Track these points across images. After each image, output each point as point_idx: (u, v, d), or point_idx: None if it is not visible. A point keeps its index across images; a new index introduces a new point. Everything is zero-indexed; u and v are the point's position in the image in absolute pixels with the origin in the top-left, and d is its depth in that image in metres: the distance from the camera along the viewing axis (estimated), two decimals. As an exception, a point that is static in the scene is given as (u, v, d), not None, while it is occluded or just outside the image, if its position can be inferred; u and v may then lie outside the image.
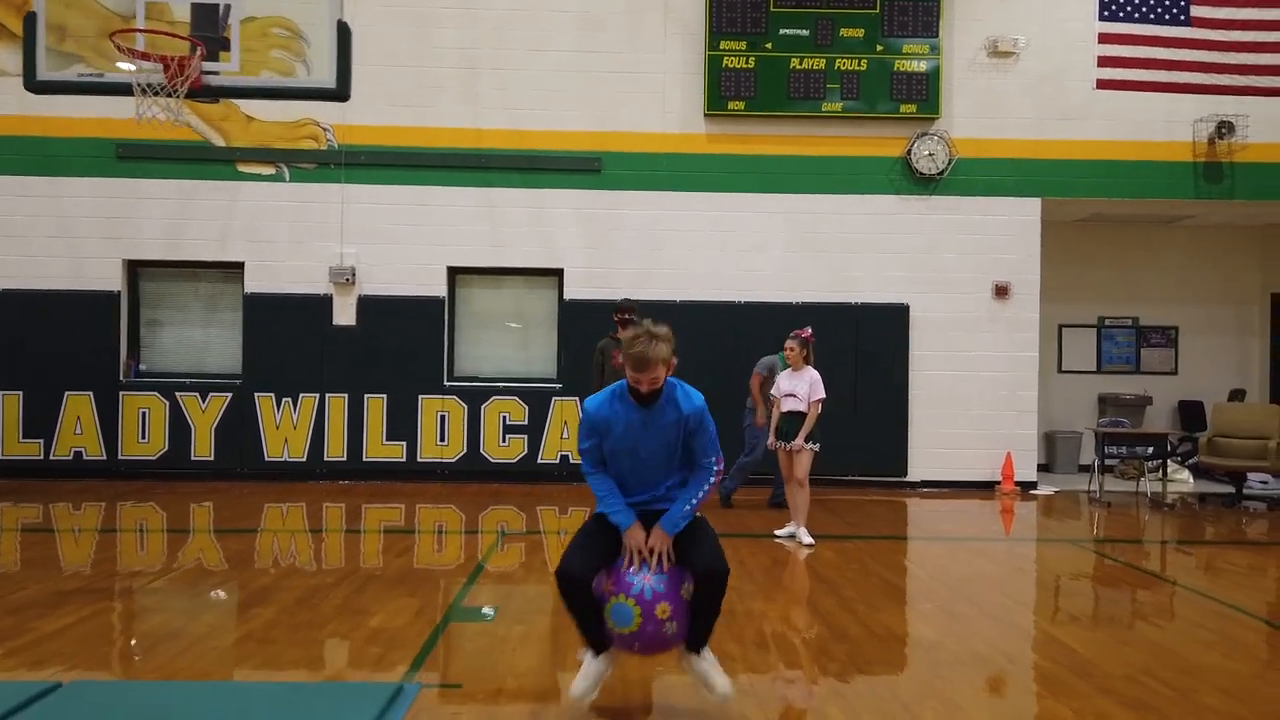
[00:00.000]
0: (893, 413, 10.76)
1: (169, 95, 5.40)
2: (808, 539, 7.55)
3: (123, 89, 5.87)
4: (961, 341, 10.83)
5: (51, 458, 10.29)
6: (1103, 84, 10.78)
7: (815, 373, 7.67)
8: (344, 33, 6.34)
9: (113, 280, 10.41)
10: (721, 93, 10.50)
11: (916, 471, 10.83)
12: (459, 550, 7.48)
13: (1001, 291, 10.85)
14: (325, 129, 10.42)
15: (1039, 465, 11.88)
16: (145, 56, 5.62)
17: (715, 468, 3.75)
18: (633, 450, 3.70)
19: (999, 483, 10.77)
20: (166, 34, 5.87)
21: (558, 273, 10.71)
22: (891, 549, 7.54)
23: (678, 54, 10.64)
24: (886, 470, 10.77)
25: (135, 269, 10.60)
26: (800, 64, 10.50)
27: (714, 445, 3.76)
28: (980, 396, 10.84)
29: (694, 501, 3.69)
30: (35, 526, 8.14)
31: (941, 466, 10.84)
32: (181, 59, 5.62)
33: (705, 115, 10.61)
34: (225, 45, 5.94)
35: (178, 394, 10.41)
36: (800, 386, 7.62)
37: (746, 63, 10.48)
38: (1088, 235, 12.64)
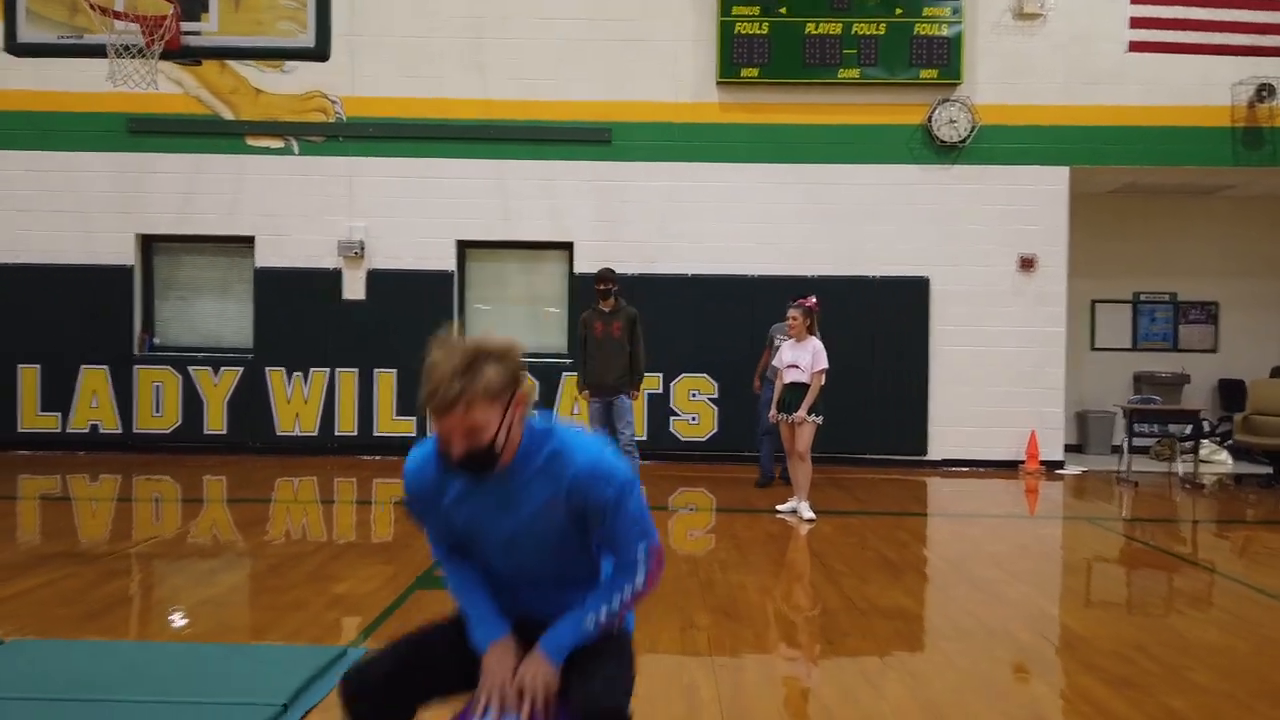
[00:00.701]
0: (912, 389, 10.43)
1: (144, 56, 5.33)
2: (808, 514, 7.31)
3: (104, 50, 5.82)
4: (985, 316, 10.46)
5: (69, 430, 10.40)
6: (1135, 46, 10.29)
7: (818, 343, 7.42)
8: (324, -9, 6.21)
9: (126, 254, 10.47)
10: (734, 60, 10.21)
11: (937, 450, 10.49)
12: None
13: (1027, 264, 10.44)
14: (334, 101, 10.35)
15: (1071, 445, 11.48)
16: (121, 16, 5.56)
17: (644, 565, 2.14)
18: (482, 540, 2.19)
19: (1023, 462, 10.40)
20: (142, -8, 5.79)
21: (568, 246, 10.54)
22: (895, 525, 7.27)
23: (689, 20, 10.37)
24: (905, 448, 10.45)
25: (148, 243, 10.64)
26: (816, 29, 10.16)
27: (639, 529, 2.13)
28: (1005, 373, 10.46)
29: (599, 614, 2.14)
30: (42, 496, 8.21)
31: (963, 445, 10.49)
32: (158, 18, 5.54)
33: (718, 84, 10.33)
34: (205, 5, 5.86)
35: (190, 368, 10.45)
36: (803, 357, 7.37)
37: (760, 28, 10.17)
38: (1121, 206, 12.13)
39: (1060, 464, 10.52)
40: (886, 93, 10.37)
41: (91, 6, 5.51)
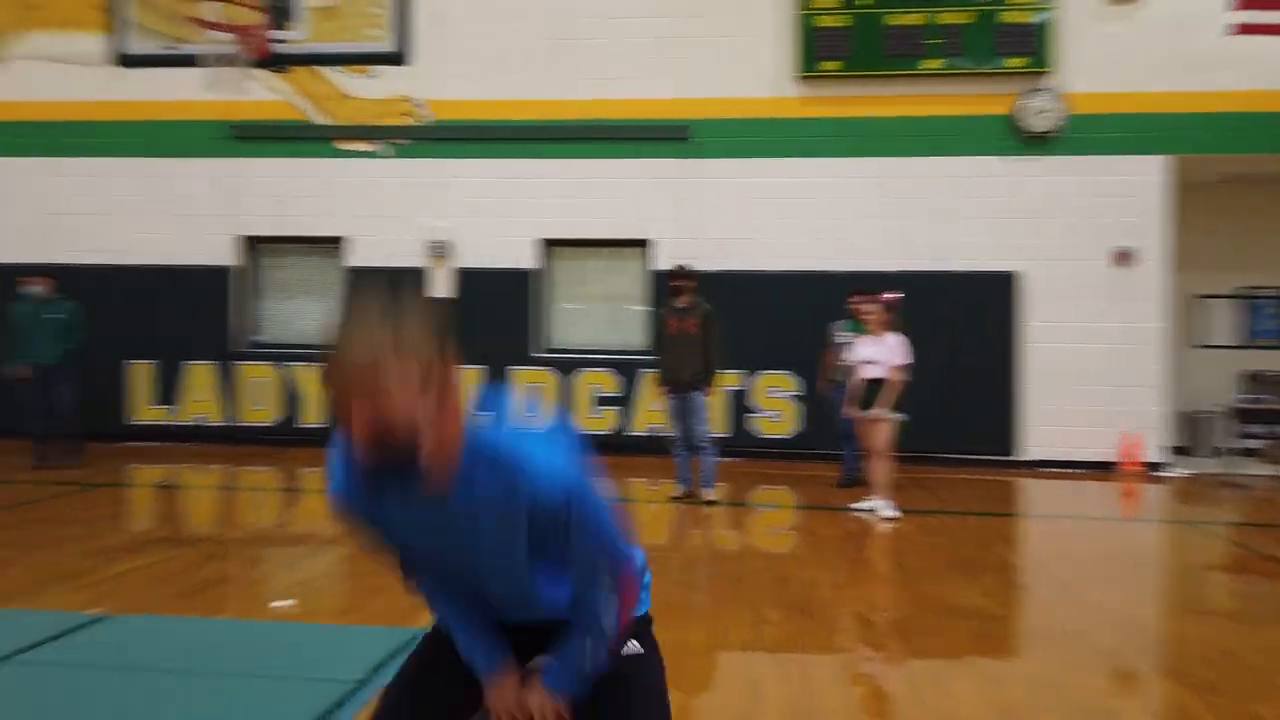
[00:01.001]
0: (1000, 387, 10.16)
1: (236, 64, 5.60)
2: (888, 512, 7.20)
3: (203, 59, 6.13)
4: (1078, 312, 10.10)
5: (176, 423, 10.94)
6: (1241, 28, 9.82)
7: (898, 338, 7.30)
8: (406, -2, 6.43)
9: (228, 255, 10.96)
10: (815, 53, 10.11)
11: (1028, 450, 10.19)
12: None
13: (1123, 258, 10.06)
14: (419, 105, 10.63)
15: (1178, 447, 10.99)
16: (217, 27, 5.85)
17: (610, 600, 1.74)
18: (424, 553, 1.81)
19: (1121, 463, 10.02)
20: (236, 3, 6.08)
21: (647, 244, 10.60)
22: (978, 525, 7.10)
23: (768, 14, 10.30)
24: (993, 448, 10.17)
25: (250, 244, 11.12)
26: (898, 19, 9.99)
27: (608, 548, 1.73)
28: (1100, 371, 10.08)
29: (585, 661, 1.77)
30: (151, 484, 8.66)
31: (1056, 445, 10.15)
32: (250, 28, 5.81)
33: (798, 78, 10.25)
34: (292, 15, 6.11)
35: (289, 364, 10.88)
36: (880, 352, 7.28)
37: (841, 20, 10.06)
38: (1227, 197, 11.55)
39: (1161, 465, 10.10)
40: (972, 83, 10.11)
41: (190, 19, 5.83)
